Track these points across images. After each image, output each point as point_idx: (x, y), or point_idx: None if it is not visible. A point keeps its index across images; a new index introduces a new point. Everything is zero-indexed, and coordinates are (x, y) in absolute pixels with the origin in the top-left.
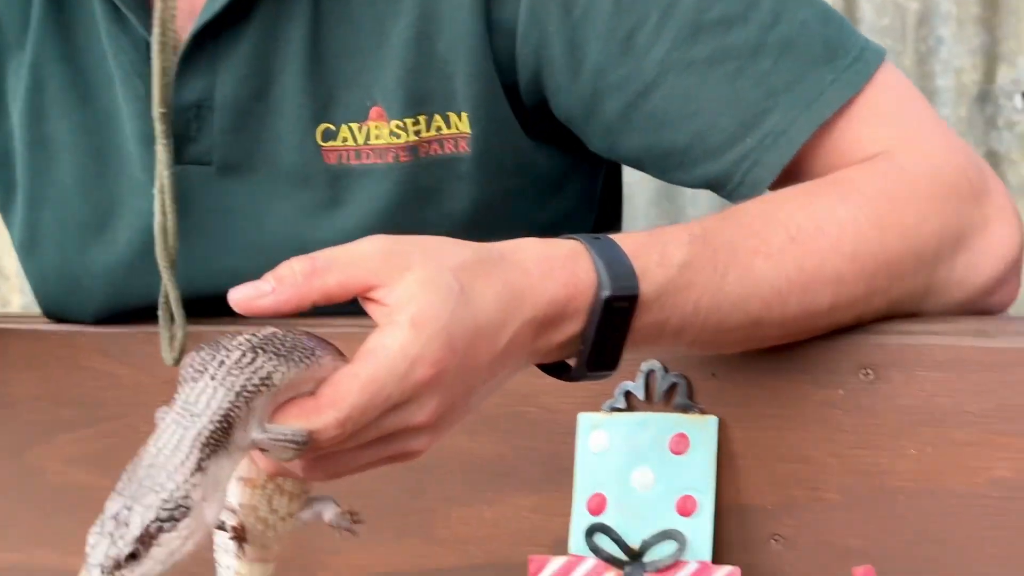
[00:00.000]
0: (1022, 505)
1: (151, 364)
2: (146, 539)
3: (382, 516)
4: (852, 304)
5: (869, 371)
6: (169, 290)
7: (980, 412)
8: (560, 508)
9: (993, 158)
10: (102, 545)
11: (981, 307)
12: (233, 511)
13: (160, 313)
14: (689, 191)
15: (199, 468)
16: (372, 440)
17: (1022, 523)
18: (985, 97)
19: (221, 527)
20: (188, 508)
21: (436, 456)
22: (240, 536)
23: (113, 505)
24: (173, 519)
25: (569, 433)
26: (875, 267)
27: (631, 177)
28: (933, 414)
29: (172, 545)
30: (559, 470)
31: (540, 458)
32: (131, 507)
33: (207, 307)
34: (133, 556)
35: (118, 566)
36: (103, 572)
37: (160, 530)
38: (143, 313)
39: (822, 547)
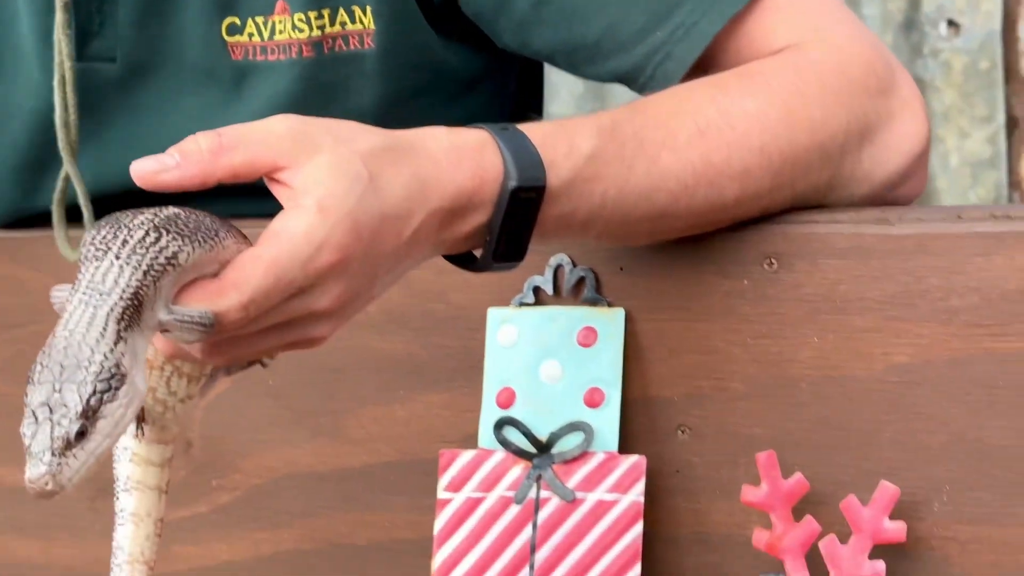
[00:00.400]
0: (919, 390)
1: (59, 269)
2: (89, 413)
3: (294, 418)
4: (758, 197)
5: (773, 261)
6: (76, 184)
7: (880, 299)
8: (471, 404)
9: (918, 86)
10: (43, 432)
11: (888, 200)
12: None
13: (55, 209)
14: (618, 87)
15: (120, 339)
16: (274, 325)
17: (919, 407)
18: (910, 25)
19: None
20: (123, 375)
21: (347, 356)
22: (139, 417)
23: (37, 395)
24: (111, 388)
25: (479, 329)
26: (782, 161)
27: (558, 77)
28: (835, 302)
29: (116, 415)
30: (469, 366)
31: (450, 355)
32: (61, 389)
33: (113, 206)
34: (81, 434)
35: (68, 446)
36: (53, 455)
37: (101, 402)
38: (51, 218)
39: (727, 436)
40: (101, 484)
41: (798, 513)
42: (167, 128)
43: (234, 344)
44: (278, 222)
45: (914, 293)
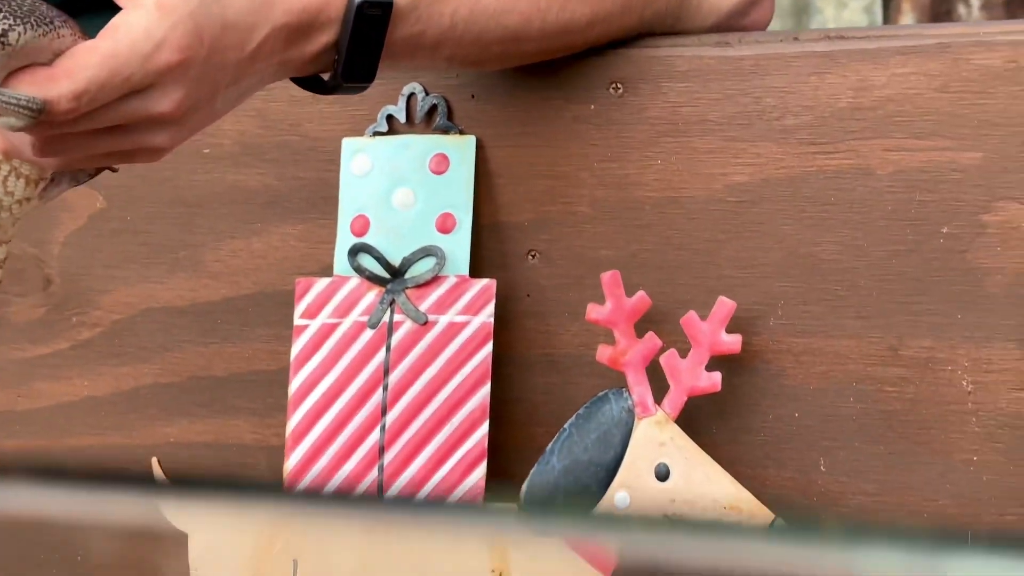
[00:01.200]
0: (756, 208)
1: None
2: None
3: (152, 252)
4: (608, 19)
5: (619, 85)
6: None
7: (720, 120)
8: (327, 235)
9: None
10: None
11: (736, 29)
12: None
13: None
14: None
15: None
16: (112, 127)
17: (756, 226)
18: None
19: None
20: None
21: (203, 190)
22: None
23: None
24: None
25: (334, 160)
26: None
27: None
28: (677, 124)
29: None
30: (325, 198)
31: (306, 186)
32: None
33: None
34: None
35: None
36: None
37: None
38: None
39: (575, 259)
40: None
41: (640, 330)
42: None
43: (68, 142)
44: (118, 17)
45: (752, 114)
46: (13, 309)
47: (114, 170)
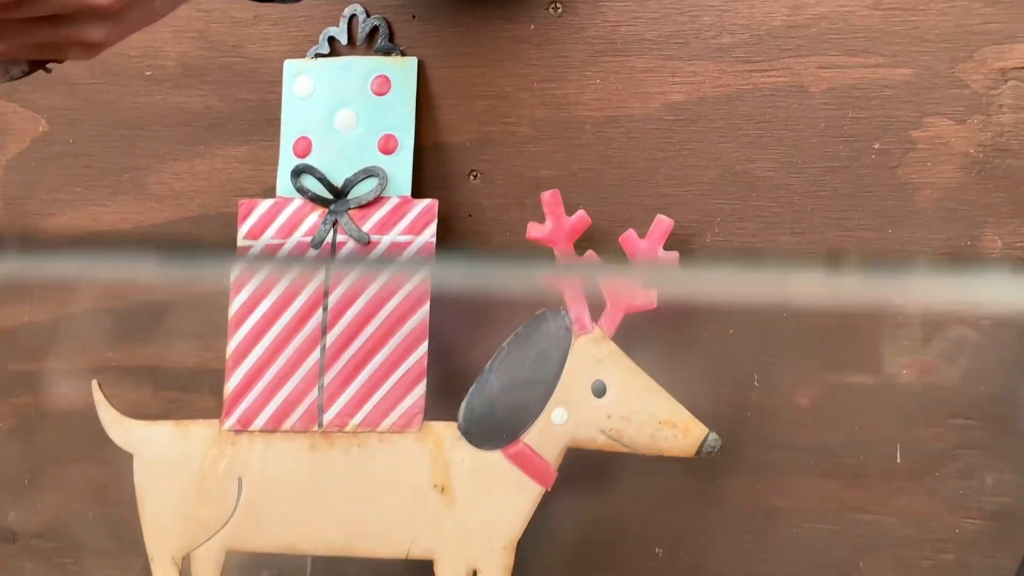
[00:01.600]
0: (693, 127)
1: None
2: None
3: (95, 176)
4: None
5: (558, 5)
6: None
7: (657, 39)
8: (270, 157)
9: None
10: None
11: None
12: None
13: None
14: None
15: None
16: (46, 17)
17: (694, 144)
18: None
19: None
20: None
21: (145, 112)
22: None
23: None
24: None
25: (276, 82)
26: None
27: None
28: (616, 44)
29: None
30: (268, 120)
31: (249, 108)
32: None
33: None
34: None
35: None
36: None
37: None
38: None
39: (515, 179)
40: None
41: (580, 248)
42: None
43: (3, 28)
44: None
45: (688, 32)
46: None
47: (48, 70)
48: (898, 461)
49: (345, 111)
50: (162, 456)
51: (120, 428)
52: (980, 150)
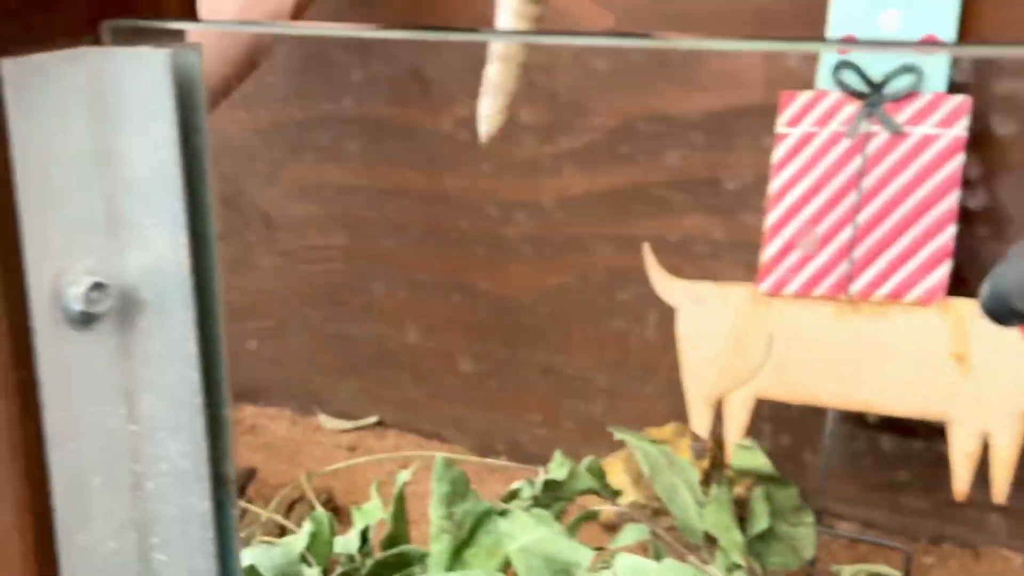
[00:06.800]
0: None
1: None
2: None
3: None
4: None
5: None
6: None
7: None
8: (812, 53)
9: None
10: None
11: None
12: None
13: None
14: None
15: None
16: None
17: None
18: None
19: None
20: None
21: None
22: None
23: None
24: None
25: None
26: None
27: None
28: None
29: None
30: (815, 20)
31: (798, 5)
32: None
33: None
34: None
35: None
36: None
37: None
38: None
39: None
40: None
41: None
42: None
43: None
44: None
45: None
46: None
47: None
48: None
49: (890, 11)
50: (703, 311)
51: (667, 285)
52: None
